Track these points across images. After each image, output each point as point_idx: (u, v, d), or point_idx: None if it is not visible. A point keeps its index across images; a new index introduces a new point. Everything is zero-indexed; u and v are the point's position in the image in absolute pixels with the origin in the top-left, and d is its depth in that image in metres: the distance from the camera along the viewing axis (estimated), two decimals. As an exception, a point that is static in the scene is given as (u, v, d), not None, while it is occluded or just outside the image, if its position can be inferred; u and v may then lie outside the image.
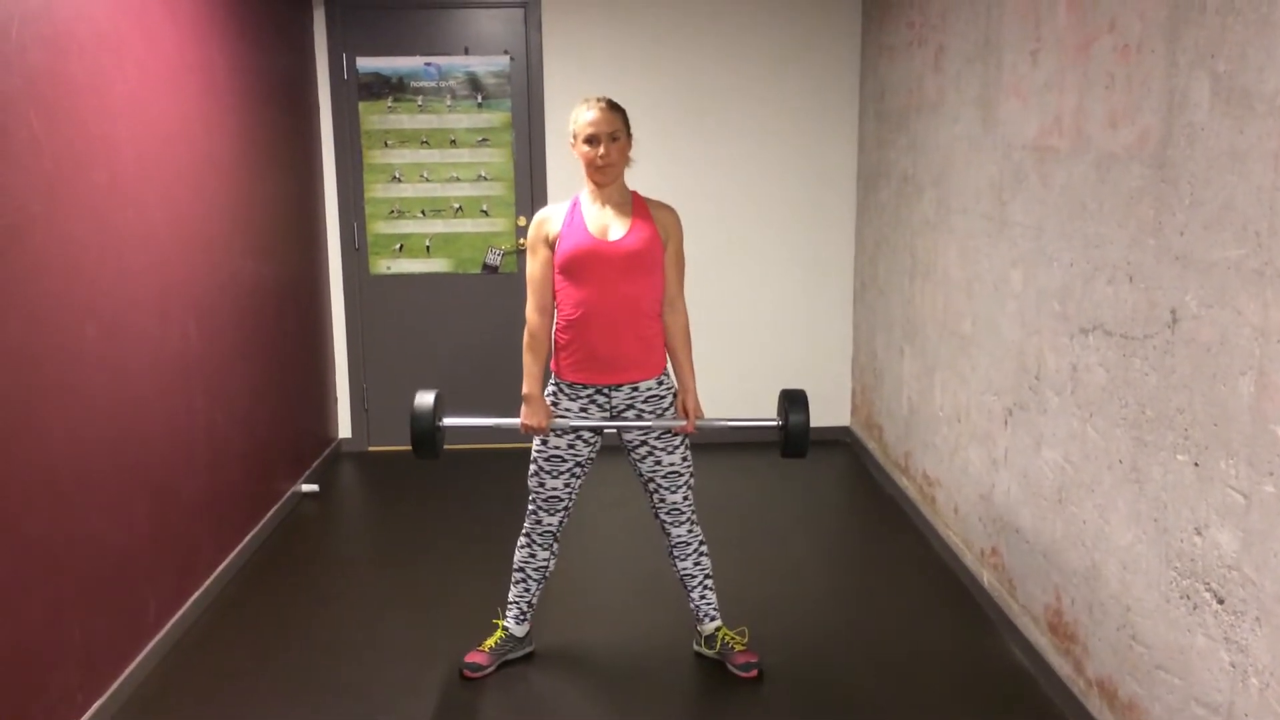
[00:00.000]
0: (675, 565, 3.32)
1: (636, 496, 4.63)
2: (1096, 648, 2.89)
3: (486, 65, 5.47)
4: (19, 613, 2.63)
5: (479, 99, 5.50)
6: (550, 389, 3.20)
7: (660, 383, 3.17)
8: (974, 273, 3.82)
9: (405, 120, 5.51)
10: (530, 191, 5.57)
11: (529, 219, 5.54)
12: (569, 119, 3.09)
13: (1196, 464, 2.38)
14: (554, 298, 3.14)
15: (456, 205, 5.59)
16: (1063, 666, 3.10)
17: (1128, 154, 2.68)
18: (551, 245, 3.10)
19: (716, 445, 5.58)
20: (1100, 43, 2.83)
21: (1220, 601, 2.30)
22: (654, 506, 3.26)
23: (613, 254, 3.04)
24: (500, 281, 5.67)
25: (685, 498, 3.23)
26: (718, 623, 3.36)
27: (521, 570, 3.32)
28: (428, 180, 5.56)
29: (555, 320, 3.16)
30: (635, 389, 3.14)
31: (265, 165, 4.58)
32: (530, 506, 3.26)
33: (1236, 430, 2.23)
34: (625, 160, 3.10)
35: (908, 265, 4.65)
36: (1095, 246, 2.87)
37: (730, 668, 3.30)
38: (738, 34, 5.45)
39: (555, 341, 3.18)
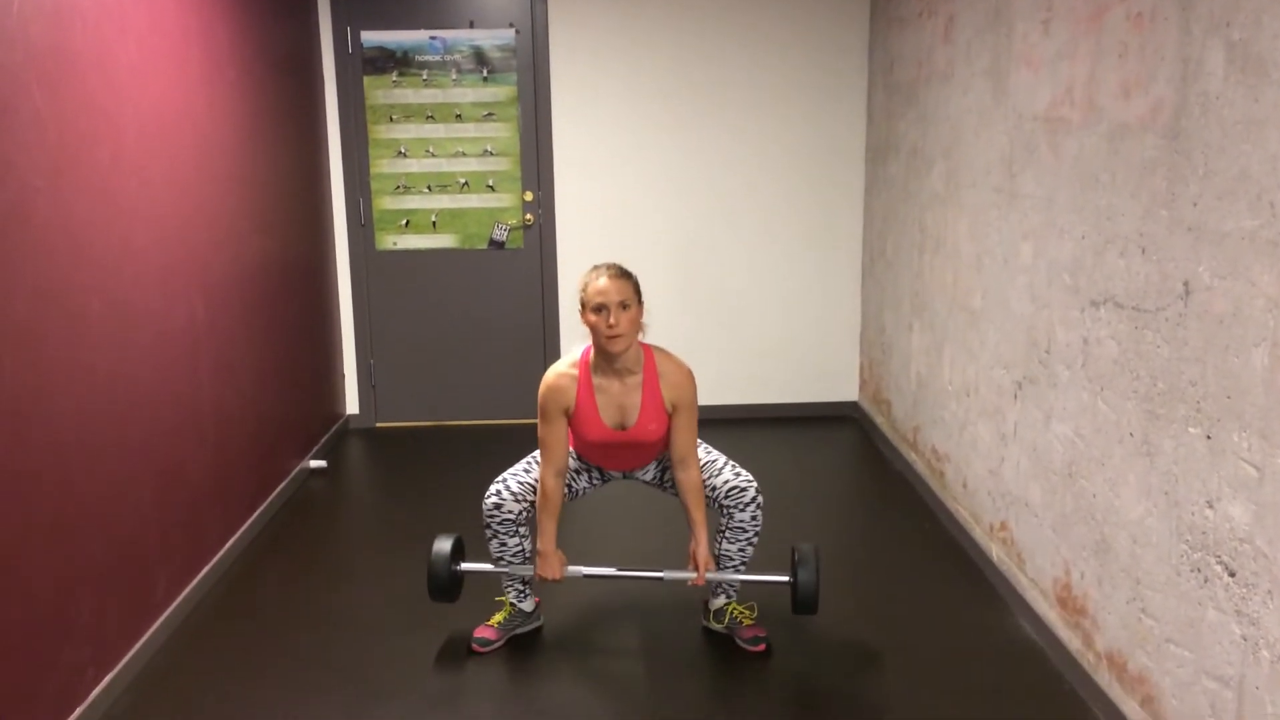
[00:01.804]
0: (719, 544, 3.28)
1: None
2: (1106, 621, 2.88)
3: (492, 38, 5.43)
4: (29, 590, 2.63)
5: (484, 73, 5.46)
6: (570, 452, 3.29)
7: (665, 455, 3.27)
8: (984, 246, 3.79)
9: (410, 95, 5.48)
10: (536, 166, 5.54)
11: (535, 194, 5.54)
12: (579, 284, 3.05)
13: (1209, 437, 2.37)
14: (567, 457, 3.16)
15: (462, 180, 5.56)
16: (1072, 640, 3.09)
17: (1140, 124, 2.65)
18: (568, 415, 3.10)
19: (724, 421, 5.57)
20: (1113, 11, 2.80)
21: (1232, 574, 2.29)
22: (714, 493, 3.24)
23: (626, 441, 3.11)
24: (507, 257, 5.65)
25: (739, 474, 3.23)
26: (729, 599, 3.36)
27: (500, 558, 3.30)
28: (433, 155, 5.53)
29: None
30: (645, 467, 3.32)
31: (269, 140, 4.56)
32: (494, 488, 3.22)
33: (1249, 402, 2.21)
34: (637, 329, 3.01)
35: (917, 239, 4.62)
36: (1107, 218, 2.84)
37: (738, 642, 3.31)
38: (745, 5, 5.41)
39: (571, 442, 3.24)
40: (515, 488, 3.20)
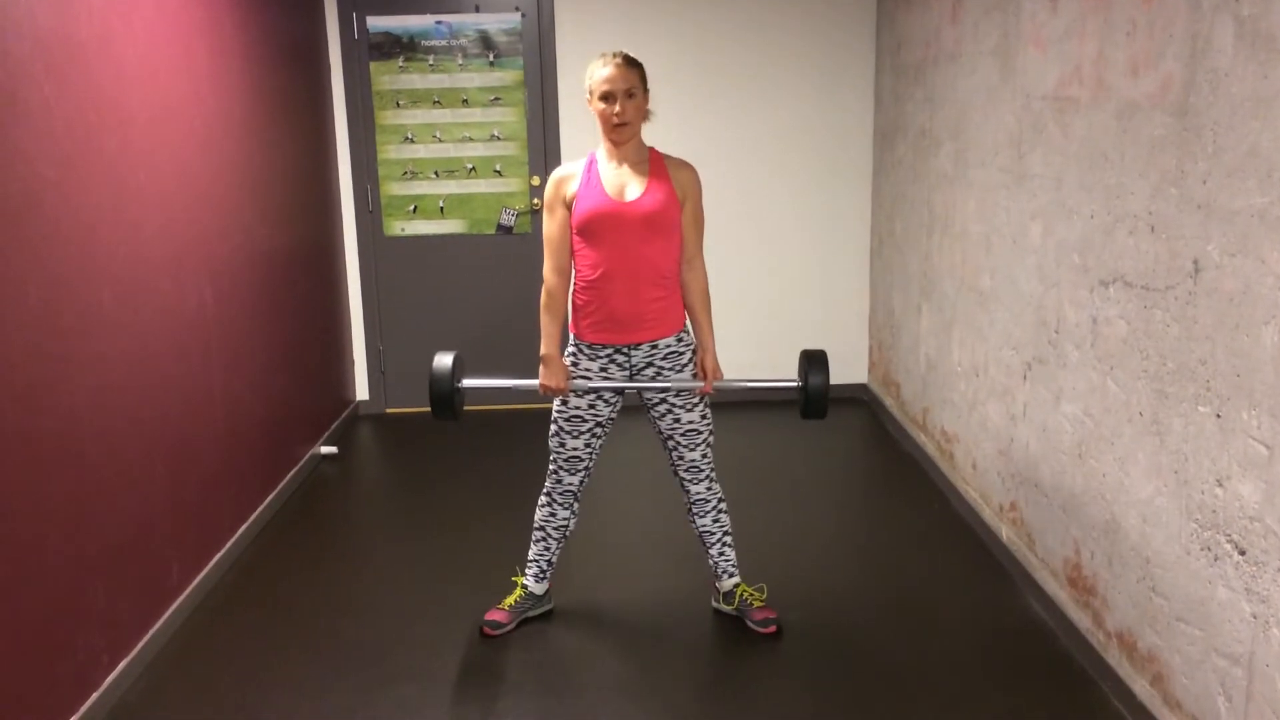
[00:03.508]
0: (694, 522, 3.33)
1: (656, 455, 4.64)
2: (1116, 600, 2.89)
3: (498, 22, 5.42)
4: (45, 576, 2.66)
5: (491, 57, 5.45)
6: (570, 350, 3.19)
7: (679, 339, 3.15)
8: (992, 226, 3.78)
9: (417, 80, 5.47)
10: (544, 151, 5.53)
11: (543, 178, 5.53)
12: (585, 74, 3.03)
13: (1218, 415, 2.36)
14: (571, 258, 3.11)
15: (470, 165, 5.56)
16: (1082, 620, 3.10)
17: (1149, 102, 2.64)
18: (569, 205, 3.06)
19: (734, 404, 5.57)
20: (1121, -12, 2.78)
21: (1242, 553, 2.29)
22: (673, 464, 3.26)
23: (630, 215, 3.00)
24: (515, 242, 5.65)
25: (704, 455, 3.23)
26: (736, 579, 3.37)
27: (542, 529, 3.33)
28: (440, 141, 5.53)
29: (573, 281, 3.14)
30: (654, 347, 3.12)
31: (277, 127, 4.56)
32: (551, 466, 3.27)
33: (1259, 381, 2.21)
34: (642, 117, 3.04)
35: (925, 220, 4.61)
36: (1116, 197, 2.83)
37: (749, 624, 3.32)
38: (751, -13, 5.38)
39: (573, 302, 3.16)
40: (563, 462, 3.23)
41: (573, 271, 3.13)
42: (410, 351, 5.76)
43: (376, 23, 5.40)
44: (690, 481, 3.26)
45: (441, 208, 5.61)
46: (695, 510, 3.30)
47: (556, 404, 3.21)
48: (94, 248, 2.94)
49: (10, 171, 2.54)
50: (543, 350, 3.11)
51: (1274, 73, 2.14)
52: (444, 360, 3.15)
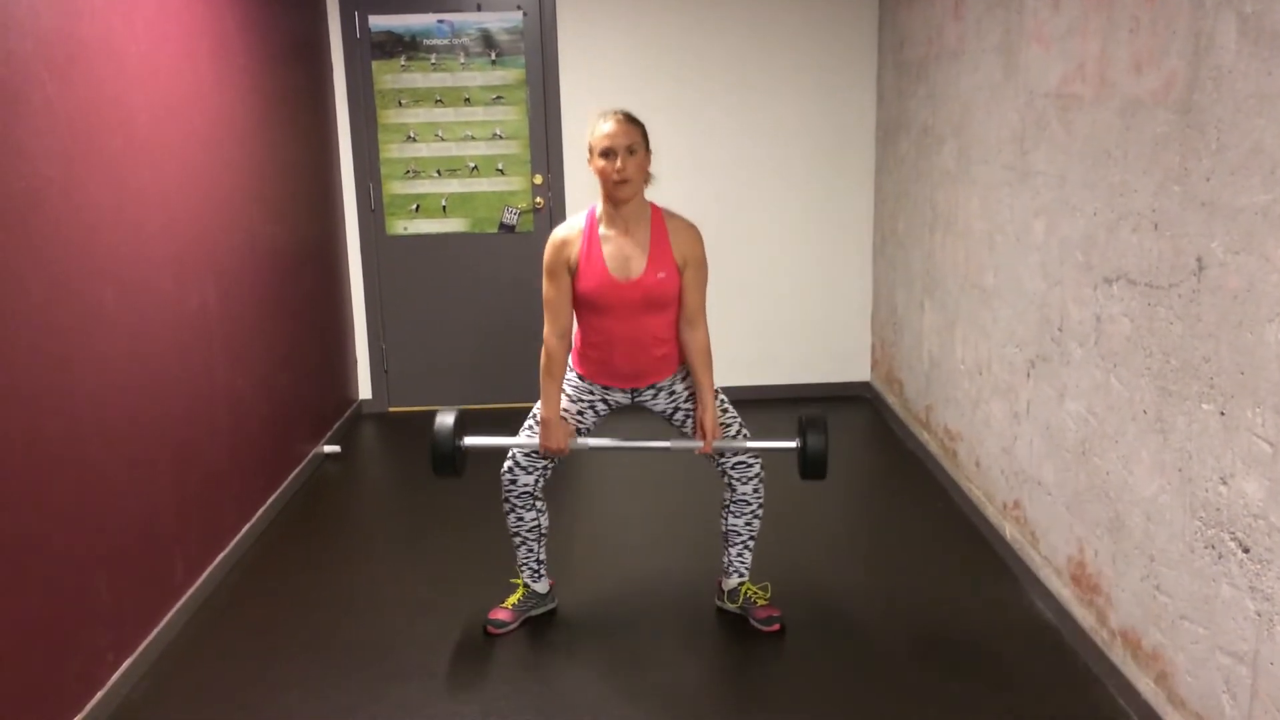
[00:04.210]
0: (725, 520, 3.28)
1: (658, 453, 4.64)
2: (1120, 599, 2.88)
3: (499, 21, 5.42)
4: (49, 575, 2.66)
5: (492, 56, 5.45)
6: (572, 375, 3.20)
7: (678, 374, 3.18)
8: (995, 224, 3.77)
9: (419, 79, 5.47)
10: (546, 149, 5.53)
11: (545, 177, 5.53)
12: (586, 131, 2.98)
13: (1222, 413, 2.36)
14: (573, 318, 3.08)
15: (472, 164, 5.56)
16: (1086, 618, 3.10)
17: (1153, 99, 2.63)
18: (571, 271, 3.00)
19: (736, 403, 5.56)
20: (1125, -15, 2.77)
21: (1246, 550, 2.29)
22: (719, 463, 3.22)
23: (632, 293, 2.98)
24: (517, 240, 5.65)
25: (755, 455, 3.20)
26: (743, 579, 3.36)
27: (516, 533, 3.30)
28: (442, 139, 5.53)
29: (575, 332, 3.14)
30: (656, 386, 3.18)
31: (279, 126, 4.56)
32: (506, 464, 3.22)
33: (1264, 378, 2.20)
34: (644, 176, 2.96)
35: (928, 218, 4.61)
36: (1119, 195, 2.83)
37: (752, 622, 3.32)
38: (753, -15, 5.38)
39: (576, 344, 3.16)
40: (522, 460, 3.20)
41: (574, 328, 3.11)
42: (413, 350, 5.76)
43: (378, 21, 5.40)
44: (739, 480, 3.21)
45: (444, 206, 5.61)
46: (733, 509, 3.26)
47: (526, 429, 3.20)
48: (96, 247, 2.94)
49: (13, 170, 2.54)
50: (542, 414, 3.08)
51: (1278, 70, 2.13)
52: (446, 419, 3.15)
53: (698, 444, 3.10)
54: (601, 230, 2.99)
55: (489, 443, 3.20)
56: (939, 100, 4.41)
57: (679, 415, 3.22)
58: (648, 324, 3.03)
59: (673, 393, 3.19)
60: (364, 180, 5.55)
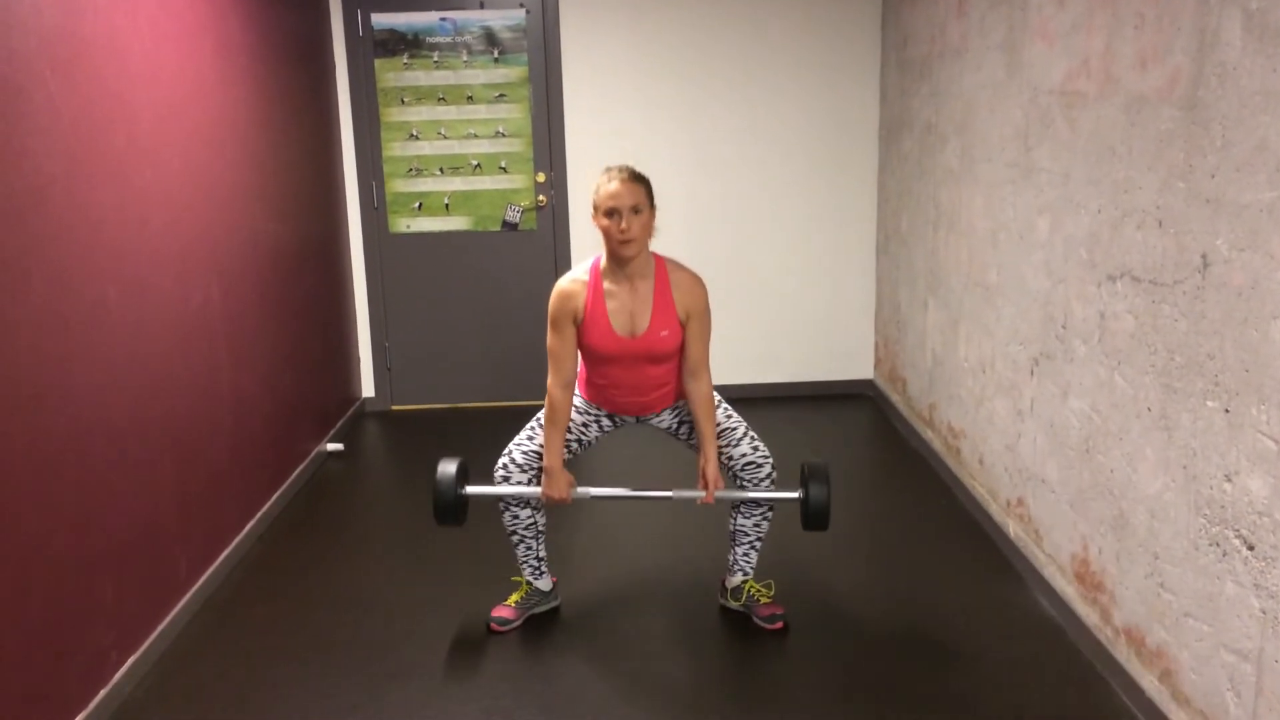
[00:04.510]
0: (734, 519, 3.28)
1: (660, 449, 4.64)
2: (1124, 596, 2.88)
3: (502, 19, 5.41)
4: (52, 573, 2.66)
5: (495, 54, 5.45)
6: (578, 398, 3.24)
7: (679, 402, 3.23)
8: (999, 222, 3.77)
9: (421, 77, 5.47)
10: (548, 147, 5.53)
11: (548, 174, 5.53)
12: (591, 187, 2.99)
13: (1227, 410, 2.35)
14: (576, 366, 3.11)
15: (475, 162, 5.56)
16: (1090, 615, 3.09)
17: (1157, 96, 2.63)
18: (576, 323, 3.03)
19: (739, 399, 5.56)
20: (1129, -18, 2.77)
21: (1250, 548, 2.28)
22: (730, 463, 3.22)
23: (636, 347, 3.02)
24: (520, 238, 5.65)
25: (755, 447, 3.20)
26: (746, 577, 3.36)
27: (513, 532, 3.30)
28: (445, 137, 5.53)
29: (579, 367, 3.18)
30: (659, 414, 3.25)
31: (282, 124, 4.56)
32: (501, 461, 3.22)
33: (1268, 375, 2.20)
34: (649, 234, 2.98)
35: (931, 216, 4.60)
36: (1124, 192, 2.82)
37: (756, 620, 3.31)
38: (756, -17, 5.37)
39: (581, 374, 3.20)
40: (520, 458, 3.19)
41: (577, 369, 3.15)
42: (416, 349, 5.76)
43: (381, 20, 5.40)
44: (749, 483, 3.21)
45: (447, 204, 5.61)
46: (743, 510, 3.25)
47: (529, 429, 3.22)
48: (99, 245, 2.94)
49: (16, 168, 2.54)
50: (545, 462, 3.10)
51: (1283, 66, 2.13)
52: (448, 469, 3.18)
53: (700, 494, 3.12)
54: (606, 285, 3.02)
55: (491, 491, 3.23)
56: (942, 98, 4.40)
57: (684, 429, 3.25)
58: (650, 372, 3.09)
59: (676, 409, 3.24)
60: (367, 178, 5.55)
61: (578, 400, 3.24)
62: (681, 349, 3.07)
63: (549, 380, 3.07)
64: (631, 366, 3.06)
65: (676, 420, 3.25)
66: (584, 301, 3.00)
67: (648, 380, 3.10)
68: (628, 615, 3.42)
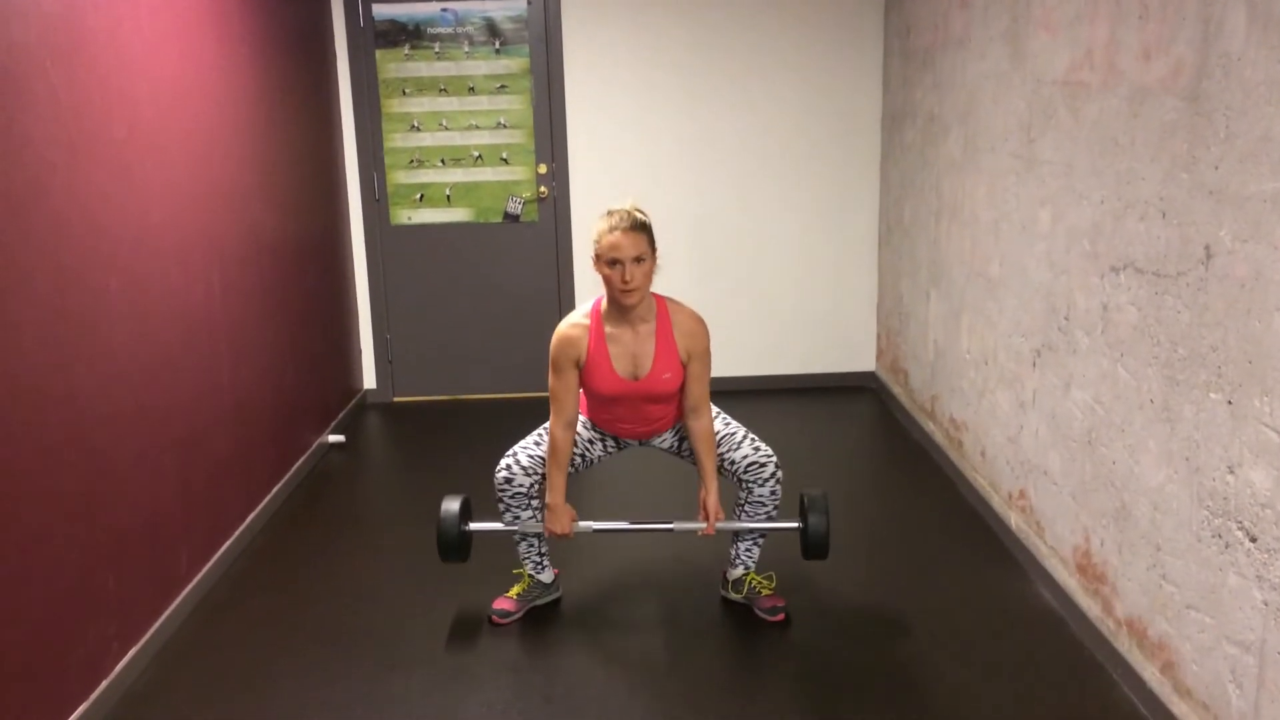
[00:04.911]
0: (739, 518, 3.28)
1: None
2: (1126, 588, 2.88)
3: (503, 9, 5.40)
4: (55, 565, 2.66)
5: (496, 45, 5.43)
6: (583, 418, 3.27)
7: (677, 423, 3.26)
8: (1002, 213, 3.76)
9: (423, 68, 5.46)
10: (550, 138, 5.52)
11: (549, 166, 5.52)
12: (592, 231, 2.98)
13: (1230, 402, 2.35)
14: (578, 406, 3.13)
15: (476, 154, 5.55)
16: (1092, 608, 3.09)
17: (1161, 87, 2.62)
18: (578, 366, 3.05)
19: (740, 393, 5.56)
20: (1133, -28, 2.75)
21: (1253, 540, 2.28)
22: (733, 467, 3.22)
23: (638, 391, 3.05)
24: (522, 230, 5.64)
25: (755, 447, 3.21)
26: (748, 569, 3.36)
27: (515, 531, 3.30)
28: (446, 129, 5.52)
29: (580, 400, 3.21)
30: (661, 435, 3.27)
31: (283, 115, 4.55)
32: (504, 462, 3.21)
33: (1271, 367, 2.19)
34: (650, 281, 2.98)
35: (934, 207, 4.59)
36: (1127, 183, 2.81)
37: (757, 612, 3.32)
38: (758, -27, 5.36)
39: (583, 403, 3.23)
40: (526, 461, 3.19)
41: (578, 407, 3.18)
42: (418, 340, 5.76)
43: (382, 10, 5.39)
44: (754, 483, 3.20)
45: (448, 196, 5.60)
46: (748, 509, 3.25)
47: (535, 435, 3.24)
48: (101, 235, 2.94)
49: (17, 159, 2.53)
50: (549, 500, 3.13)
51: (1288, 56, 2.12)
52: (451, 507, 3.23)
53: (701, 525, 3.14)
54: (608, 329, 3.03)
55: (494, 528, 3.27)
56: (945, 88, 4.39)
57: (685, 447, 3.28)
58: (651, 410, 3.14)
59: (677, 429, 3.28)
60: (368, 170, 5.54)
61: (583, 419, 3.27)
62: (682, 387, 3.10)
63: (550, 421, 3.10)
64: (633, 405, 3.11)
65: (678, 439, 3.29)
66: (586, 346, 3.03)
67: (649, 415, 3.16)
68: (629, 607, 3.43)
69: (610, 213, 2.95)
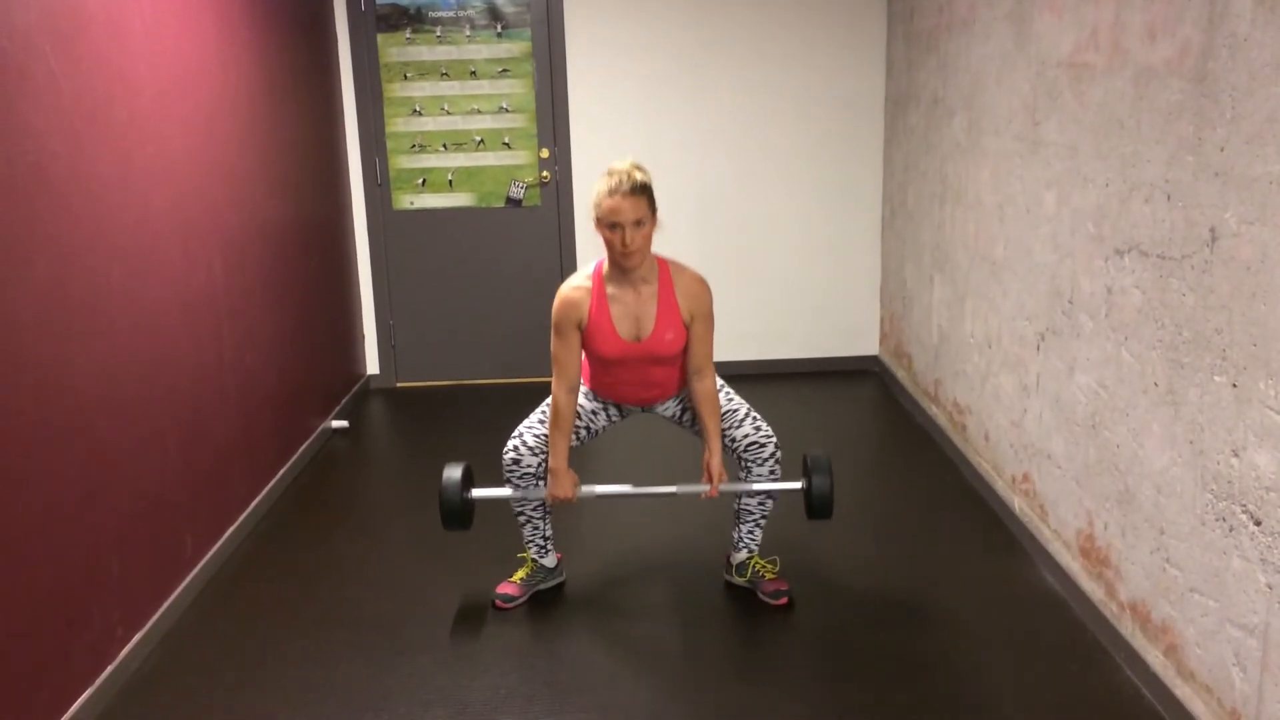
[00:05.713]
0: (740, 499, 3.29)
1: (663, 425, 4.63)
2: (1129, 572, 2.88)
3: (505, -7, 5.38)
4: (59, 549, 2.67)
5: (498, 28, 5.41)
6: (584, 388, 3.25)
7: (682, 390, 3.24)
8: (1006, 196, 3.74)
9: (424, 52, 5.43)
10: (552, 122, 5.50)
11: (552, 150, 5.50)
12: (592, 191, 2.96)
13: (1234, 385, 2.34)
14: (580, 368, 3.13)
15: (478, 138, 5.53)
16: (1095, 591, 3.09)
17: (1167, 68, 2.60)
18: (580, 329, 3.04)
19: (744, 376, 5.55)
20: (1138, -48, 2.73)
21: (1257, 523, 2.28)
22: (733, 445, 3.22)
23: (640, 351, 3.04)
24: (524, 214, 5.63)
25: (759, 429, 3.20)
26: (751, 553, 3.36)
27: (520, 511, 3.30)
28: (448, 113, 5.50)
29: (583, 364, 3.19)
30: (664, 402, 3.26)
31: (284, 100, 4.54)
32: (511, 443, 3.21)
33: (1276, 350, 2.18)
34: (651, 242, 2.96)
35: (938, 190, 4.58)
36: (1132, 165, 2.80)
37: (761, 595, 3.32)
38: (761, -45, 5.32)
39: (586, 370, 3.21)
40: (531, 441, 3.19)
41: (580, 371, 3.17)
42: (420, 325, 5.76)
43: (384, -6, 5.37)
44: (754, 463, 3.21)
45: (450, 181, 5.59)
46: (744, 473, 3.25)
47: (540, 412, 3.23)
48: (103, 221, 2.93)
49: (18, 145, 2.53)
50: (551, 464, 3.12)
51: (1295, 36, 2.10)
52: (453, 474, 3.21)
53: (704, 488, 3.14)
54: (610, 290, 3.02)
55: (496, 494, 3.25)
56: (949, 71, 4.37)
57: (687, 416, 3.26)
58: (653, 372, 3.12)
59: (680, 397, 3.26)
60: (370, 154, 5.53)
61: (585, 390, 3.25)
62: (685, 349, 3.08)
63: (553, 384, 3.09)
64: (636, 368, 3.10)
65: (680, 407, 3.27)
66: (588, 308, 3.02)
67: (652, 378, 3.14)
68: (632, 591, 3.43)
69: (610, 172, 2.93)
